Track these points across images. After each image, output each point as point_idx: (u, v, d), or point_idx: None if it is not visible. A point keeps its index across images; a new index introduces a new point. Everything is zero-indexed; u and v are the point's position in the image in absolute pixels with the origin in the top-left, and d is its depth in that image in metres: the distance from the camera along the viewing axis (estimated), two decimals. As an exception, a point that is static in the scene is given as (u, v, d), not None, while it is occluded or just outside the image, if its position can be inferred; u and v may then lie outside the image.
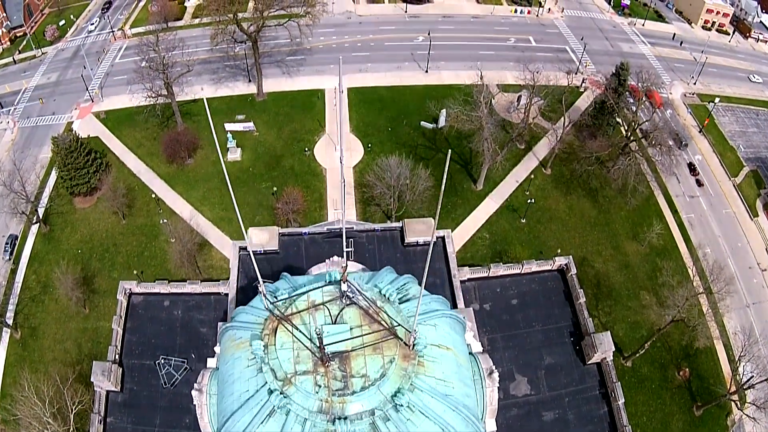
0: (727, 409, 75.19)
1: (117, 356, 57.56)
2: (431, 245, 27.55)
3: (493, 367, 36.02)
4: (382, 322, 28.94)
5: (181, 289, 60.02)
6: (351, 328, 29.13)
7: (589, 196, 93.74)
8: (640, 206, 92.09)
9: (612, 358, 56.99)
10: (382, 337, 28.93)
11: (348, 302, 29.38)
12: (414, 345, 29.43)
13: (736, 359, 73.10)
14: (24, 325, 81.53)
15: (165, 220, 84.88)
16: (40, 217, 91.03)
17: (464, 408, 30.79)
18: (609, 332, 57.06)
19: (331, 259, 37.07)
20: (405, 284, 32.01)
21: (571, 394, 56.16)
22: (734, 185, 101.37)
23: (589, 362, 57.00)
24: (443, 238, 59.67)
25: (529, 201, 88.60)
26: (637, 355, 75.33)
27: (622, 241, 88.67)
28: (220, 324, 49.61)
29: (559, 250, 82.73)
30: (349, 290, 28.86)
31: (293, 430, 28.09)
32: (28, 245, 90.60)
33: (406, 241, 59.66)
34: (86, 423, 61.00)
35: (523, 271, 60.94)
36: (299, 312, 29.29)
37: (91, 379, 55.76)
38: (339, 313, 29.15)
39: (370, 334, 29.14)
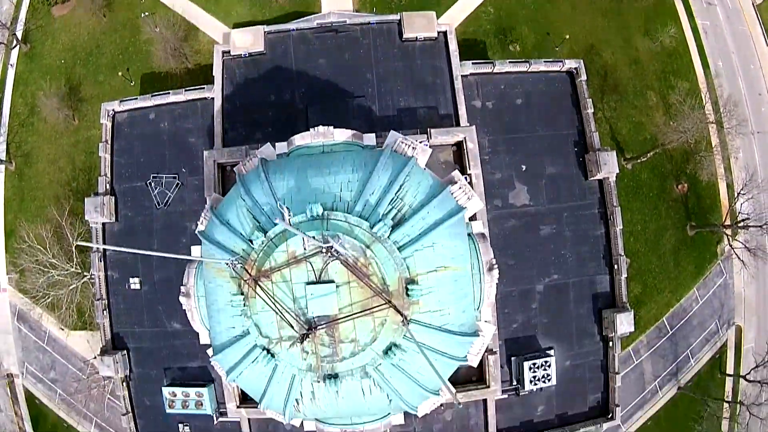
0: (719, 237, 75.53)
1: (108, 185, 56.42)
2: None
3: (494, 261, 34.13)
4: (372, 285, 27.12)
5: (165, 99, 57.14)
6: (338, 286, 27.08)
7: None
8: (655, 3, 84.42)
9: (615, 179, 55.45)
10: (372, 296, 27.25)
11: (332, 258, 26.97)
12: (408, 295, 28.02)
13: (736, 194, 72.04)
14: (17, 154, 79.75)
15: (145, 14, 78.91)
16: (20, 39, 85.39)
17: (460, 328, 30.07)
18: (615, 152, 54.87)
19: (316, 129, 33.98)
20: (401, 189, 28.84)
21: (570, 210, 55.36)
22: (753, 4, 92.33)
23: (592, 178, 55.48)
24: (445, 33, 55.42)
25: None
26: (639, 161, 74.02)
27: (633, 35, 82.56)
28: (206, 153, 48.42)
29: (567, 36, 77.88)
30: (334, 247, 26.57)
31: (281, 382, 29.16)
32: (11, 70, 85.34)
33: (404, 36, 55.43)
34: (88, 253, 61.86)
35: (530, 69, 56.88)
36: (278, 268, 27.57)
37: (86, 218, 55.57)
38: (323, 268, 27.21)
39: (358, 290, 27.40)
